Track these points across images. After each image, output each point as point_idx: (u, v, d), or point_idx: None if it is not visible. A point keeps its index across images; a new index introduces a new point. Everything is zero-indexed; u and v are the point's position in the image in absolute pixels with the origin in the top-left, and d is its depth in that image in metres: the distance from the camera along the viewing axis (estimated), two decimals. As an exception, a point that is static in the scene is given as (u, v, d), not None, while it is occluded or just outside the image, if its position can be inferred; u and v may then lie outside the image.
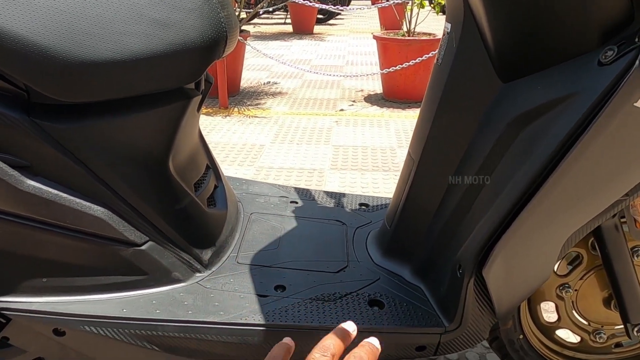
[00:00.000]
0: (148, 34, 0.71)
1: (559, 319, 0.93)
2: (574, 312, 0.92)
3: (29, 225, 0.72)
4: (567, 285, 0.90)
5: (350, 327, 0.52)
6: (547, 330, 0.96)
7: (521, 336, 0.94)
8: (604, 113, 0.57)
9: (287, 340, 0.51)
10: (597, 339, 0.93)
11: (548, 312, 0.99)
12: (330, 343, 0.48)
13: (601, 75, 0.58)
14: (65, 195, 0.73)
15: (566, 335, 0.98)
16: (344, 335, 0.50)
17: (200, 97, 0.87)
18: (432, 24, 4.96)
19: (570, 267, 0.91)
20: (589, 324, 0.93)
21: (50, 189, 0.72)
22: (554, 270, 0.90)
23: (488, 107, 0.75)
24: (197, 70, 0.78)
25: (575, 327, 0.94)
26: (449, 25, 0.81)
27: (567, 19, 0.62)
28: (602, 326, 0.93)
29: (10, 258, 0.74)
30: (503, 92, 0.73)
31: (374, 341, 0.51)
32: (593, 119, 0.58)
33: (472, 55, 0.76)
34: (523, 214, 0.65)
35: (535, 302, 0.93)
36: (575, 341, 0.97)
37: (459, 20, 0.77)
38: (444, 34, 0.83)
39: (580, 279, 0.90)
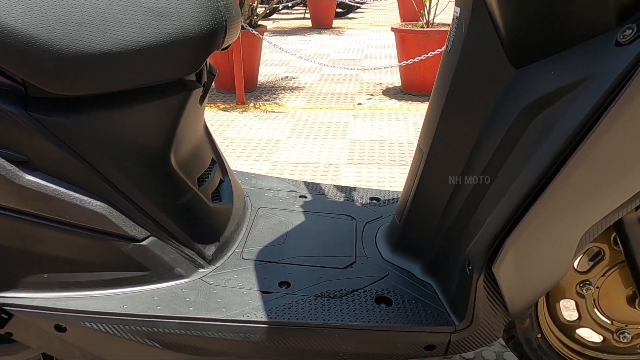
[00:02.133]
0: (144, 24, 0.70)
1: (580, 317, 0.89)
2: (595, 310, 0.88)
3: (29, 220, 0.72)
4: (588, 282, 0.85)
5: None
6: (567, 329, 0.91)
7: (539, 335, 0.90)
8: (622, 96, 0.52)
9: None
10: (621, 339, 0.88)
11: (568, 310, 0.94)
12: None
13: (619, 56, 0.53)
14: (64, 190, 0.72)
15: (588, 334, 0.94)
16: None
17: (202, 89, 0.85)
18: (451, 14, 4.85)
19: (591, 263, 0.86)
20: (612, 323, 0.88)
21: (49, 184, 0.71)
22: (573, 267, 0.86)
23: (499, 95, 0.71)
24: (196, 61, 0.76)
25: (597, 326, 0.89)
26: (458, 10, 0.77)
27: (582, -3, 0.57)
28: (626, 325, 0.88)
29: (11, 253, 0.73)
30: (515, 78, 0.69)
31: None
32: (611, 102, 0.54)
33: (482, 40, 0.71)
34: (535, 206, 0.61)
35: (554, 300, 0.89)
36: (597, 341, 0.92)
37: (468, 3, 0.73)
38: (453, 19, 0.79)
39: (602, 275, 0.85)
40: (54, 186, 0.72)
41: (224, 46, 0.81)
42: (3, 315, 0.75)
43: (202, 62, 0.76)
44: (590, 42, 0.59)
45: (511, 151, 0.67)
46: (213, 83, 0.89)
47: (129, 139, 0.76)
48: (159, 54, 0.71)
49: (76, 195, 0.73)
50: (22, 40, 0.64)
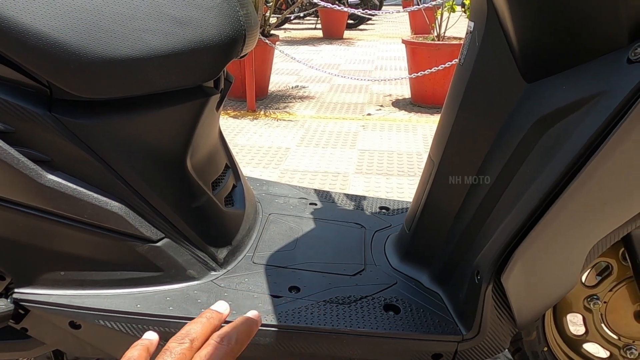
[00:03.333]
0: (167, 31, 0.72)
1: (587, 332, 0.89)
2: (602, 325, 0.88)
3: (48, 218, 0.74)
4: (595, 296, 0.86)
5: (221, 307, 0.45)
6: (574, 343, 0.92)
7: (545, 348, 0.90)
8: (633, 112, 0.53)
9: (149, 335, 0.42)
10: (628, 355, 0.88)
11: (576, 324, 0.94)
12: (190, 329, 0.41)
13: (630, 73, 0.55)
14: (83, 190, 0.74)
15: (594, 349, 0.94)
16: (211, 317, 0.43)
17: (219, 95, 0.87)
18: (462, 28, 4.88)
19: (599, 278, 0.86)
20: (619, 339, 0.88)
21: (69, 184, 0.73)
22: (581, 281, 0.86)
23: (511, 108, 0.73)
24: (215, 69, 0.78)
25: (604, 342, 0.89)
26: (472, 24, 0.79)
27: (595, 15, 0.59)
28: (633, 341, 0.88)
29: (29, 250, 0.75)
30: (527, 92, 0.70)
31: (252, 314, 0.45)
32: (621, 118, 0.55)
33: (495, 54, 0.73)
34: (545, 218, 0.62)
35: (561, 314, 0.89)
36: (604, 356, 0.92)
37: (482, 18, 0.74)
38: (467, 33, 0.81)
39: (610, 290, 0.85)
40: (74, 186, 0.74)
41: (242, 54, 0.83)
42: (20, 310, 0.77)
43: (221, 70, 0.79)
44: (602, 58, 0.60)
45: (522, 164, 0.68)
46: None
47: (147, 143, 0.78)
48: (180, 60, 0.73)
49: (95, 195, 0.75)
50: (49, 43, 0.66)
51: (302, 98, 3.82)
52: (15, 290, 0.77)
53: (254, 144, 2.71)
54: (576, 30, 0.62)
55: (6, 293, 0.80)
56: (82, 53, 0.68)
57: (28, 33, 0.65)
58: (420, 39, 3.52)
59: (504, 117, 0.73)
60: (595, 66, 0.60)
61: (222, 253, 0.89)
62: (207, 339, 0.41)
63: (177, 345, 0.39)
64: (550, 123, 0.65)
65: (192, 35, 0.73)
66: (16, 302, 0.77)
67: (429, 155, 0.89)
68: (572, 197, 0.60)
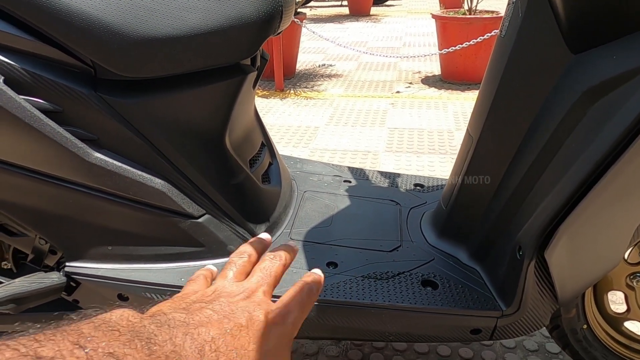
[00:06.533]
0: (206, 8, 0.72)
1: (628, 310, 0.88)
2: (645, 303, 0.86)
3: (96, 195, 0.76)
4: (638, 274, 0.84)
5: (264, 235, 0.55)
6: (614, 321, 0.90)
7: (585, 326, 0.89)
8: (689, 83, 0.51)
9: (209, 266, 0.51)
10: (671, 333, 0.87)
11: (616, 303, 0.93)
12: (244, 248, 0.50)
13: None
14: (128, 167, 0.76)
15: (636, 328, 0.92)
16: (257, 241, 0.53)
17: (256, 73, 0.87)
18: (495, 2, 4.73)
19: (643, 255, 0.84)
20: (662, 317, 0.86)
21: (114, 162, 0.76)
22: (624, 258, 0.84)
23: (556, 81, 0.70)
24: (253, 46, 0.78)
25: (647, 320, 0.88)
26: (514, -6, 0.76)
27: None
28: (676, 320, 0.86)
29: (79, 226, 0.78)
30: (573, 64, 0.68)
31: (290, 243, 0.54)
32: (676, 89, 0.53)
33: (539, 24, 0.71)
34: (591, 193, 0.60)
35: (601, 291, 0.88)
36: (646, 334, 0.91)
37: (525, -13, 0.72)
38: (508, 4, 0.78)
39: (655, 268, 0.83)
40: (119, 164, 0.76)
41: (278, 31, 0.83)
42: (72, 283, 0.81)
43: (259, 47, 0.79)
44: (656, 26, 0.57)
45: (567, 137, 0.66)
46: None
47: (187, 121, 0.79)
48: (220, 37, 0.74)
49: (139, 173, 0.77)
50: (94, 24, 0.67)
51: (330, 76, 3.80)
52: (67, 264, 0.80)
53: (283, 123, 2.72)
54: None
55: (58, 267, 0.84)
56: (125, 32, 0.69)
57: (72, 13, 0.67)
58: (451, 13, 3.43)
59: (548, 89, 0.71)
60: (649, 35, 0.58)
61: (260, 229, 0.90)
62: (260, 256, 0.50)
63: (238, 259, 0.48)
64: (599, 95, 0.63)
65: (230, 12, 0.73)
66: (67, 275, 0.80)
67: (467, 130, 0.87)
68: (621, 171, 0.59)
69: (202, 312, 0.37)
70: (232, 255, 0.49)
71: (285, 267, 0.49)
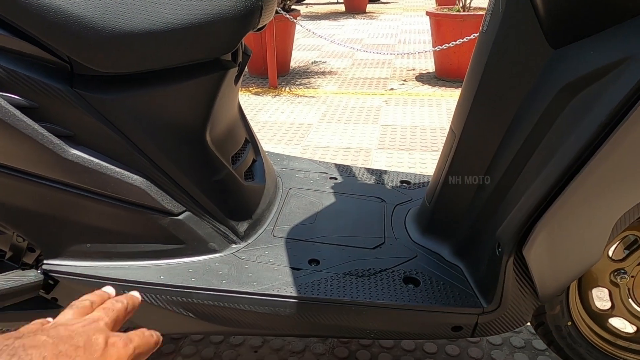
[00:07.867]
0: (184, 3, 0.72)
1: (613, 306, 0.87)
2: (629, 300, 0.86)
3: (73, 192, 0.75)
4: (622, 270, 0.84)
5: (107, 289, 0.54)
6: (599, 317, 0.90)
7: (569, 323, 0.89)
8: (664, 76, 0.51)
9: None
10: (655, 329, 0.86)
11: (602, 300, 0.92)
12: (87, 296, 0.49)
13: (662, 35, 0.52)
14: (106, 164, 0.76)
15: (621, 324, 0.92)
16: (101, 294, 0.51)
17: (238, 69, 0.86)
18: (490, -2, 4.72)
19: (627, 252, 0.84)
20: (646, 313, 0.86)
21: (92, 158, 0.75)
22: (608, 255, 0.84)
23: (537, 75, 0.70)
24: (233, 41, 0.77)
25: (631, 316, 0.87)
26: (495, -11, 0.75)
27: (626, -26, 0.56)
28: (661, 316, 0.86)
29: (56, 223, 0.77)
30: (553, 59, 0.68)
31: (134, 293, 0.53)
32: (651, 84, 0.52)
33: (519, 19, 0.70)
34: (569, 188, 0.60)
35: (586, 288, 0.88)
36: (630, 331, 0.91)
37: (506, -18, 0.71)
38: (490, -1, 0.78)
39: (638, 264, 0.83)
40: (97, 160, 0.75)
41: (259, 26, 0.82)
42: (50, 281, 0.80)
43: (238, 42, 0.78)
44: (631, 21, 0.57)
45: (547, 132, 0.66)
46: (246, 67, 0.91)
47: (167, 116, 0.78)
48: (197, 32, 0.73)
49: (117, 169, 0.76)
50: (69, 18, 0.67)
51: (324, 74, 3.79)
52: (45, 261, 0.80)
53: (275, 121, 2.71)
54: None
55: (36, 264, 0.83)
56: (100, 27, 0.68)
57: (47, 8, 0.66)
58: (445, 10, 3.42)
59: (529, 84, 0.71)
60: (624, 30, 0.57)
61: (242, 226, 0.90)
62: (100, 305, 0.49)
63: (79, 302, 0.47)
64: (578, 89, 0.62)
65: (208, 7, 0.73)
66: (45, 273, 0.79)
67: (450, 127, 0.87)
68: (599, 165, 0.58)
69: (36, 337, 0.37)
70: (72, 302, 0.48)
71: (127, 311, 0.49)
